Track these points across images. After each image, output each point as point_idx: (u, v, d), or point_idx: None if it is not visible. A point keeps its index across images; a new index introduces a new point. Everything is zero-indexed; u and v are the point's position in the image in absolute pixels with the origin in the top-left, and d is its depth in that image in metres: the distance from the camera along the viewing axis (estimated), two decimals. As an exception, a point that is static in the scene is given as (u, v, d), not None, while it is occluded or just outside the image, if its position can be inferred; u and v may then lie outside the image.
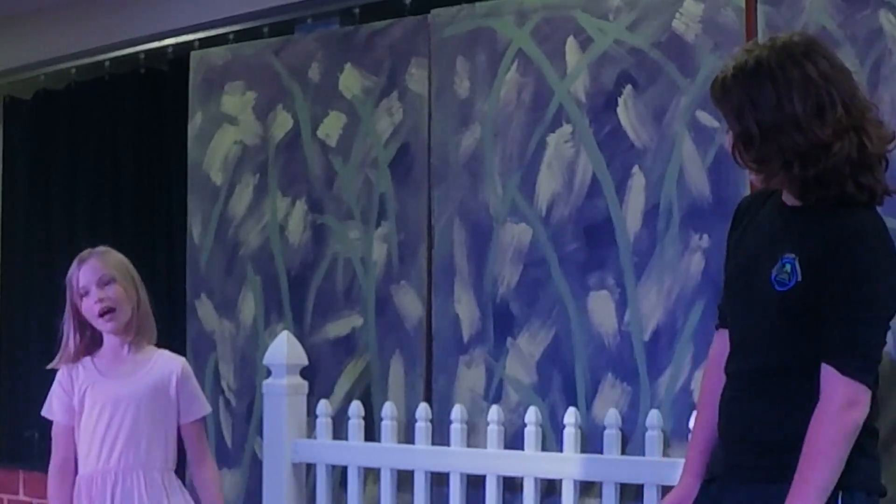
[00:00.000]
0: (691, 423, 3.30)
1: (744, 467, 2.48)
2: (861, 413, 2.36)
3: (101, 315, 3.28)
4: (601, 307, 3.59)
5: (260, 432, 4.13)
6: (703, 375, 2.74)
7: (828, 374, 2.37)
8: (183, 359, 3.45)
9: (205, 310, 4.44)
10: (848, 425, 2.35)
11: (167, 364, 3.35)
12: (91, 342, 3.35)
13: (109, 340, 3.34)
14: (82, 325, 3.33)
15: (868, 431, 2.42)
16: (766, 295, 2.44)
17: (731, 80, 2.43)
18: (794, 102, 2.37)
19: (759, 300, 2.47)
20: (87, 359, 3.33)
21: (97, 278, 3.28)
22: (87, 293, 3.28)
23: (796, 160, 2.38)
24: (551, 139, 3.71)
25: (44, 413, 3.36)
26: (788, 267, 2.42)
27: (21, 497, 5.30)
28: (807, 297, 2.39)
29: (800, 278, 2.40)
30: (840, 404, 2.35)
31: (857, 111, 2.40)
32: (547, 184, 3.71)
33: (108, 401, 3.27)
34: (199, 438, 3.41)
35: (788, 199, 2.49)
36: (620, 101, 3.59)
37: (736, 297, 2.57)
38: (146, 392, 3.29)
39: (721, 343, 2.64)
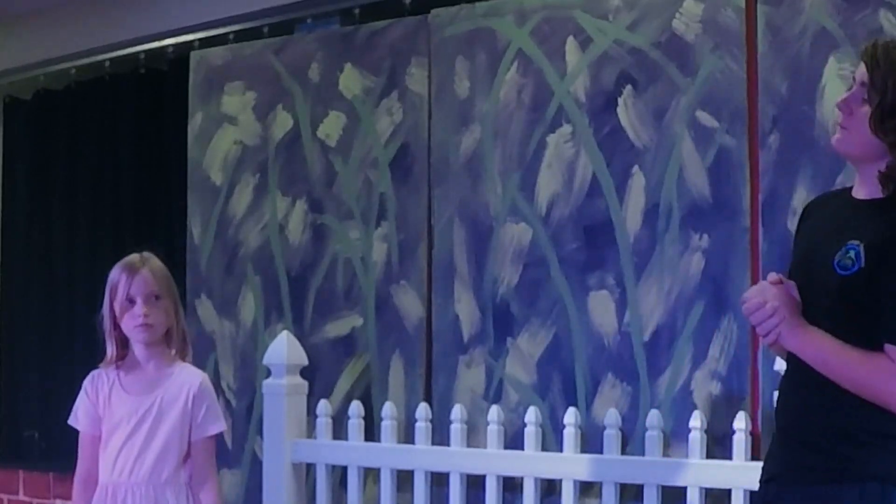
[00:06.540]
0: (691, 423, 3.32)
1: (800, 467, 2.42)
2: None
3: (139, 327, 3.22)
4: (601, 307, 3.59)
5: (260, 432, 4.13)
6: None
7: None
8: (203, 374, 3.33)
9: (205, 310, 4.44)
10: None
11: (186, 379, 3.26)
12: (120, 348, 3.27)
13: (138, 351, 3.26)
14: (116, 330, 3.25)
15: None
16: (826, 280, 2.40)
17: (892, 50, 2.44)
18: None
19: (819, 286, 2.43)
20: (112, 369, 3.26)
21: (147, 292, 3.21)
22: (132, 304, 3.21)
23: None
24: (551, 139, 3.71)
25: (70, 422, 3.29)
26: (853, 253, 2.37)
27: (21, 497, 5.30)
28: (869, 284, 2.35)
29: (863, 264, 2.36)
30: None
31: None
32: (547, 184, 3.71)
33: (126, 414, 3.22)
34: (205, 457, 3.28)
35: (862, 193, 2.48)
36: (620, 101, 3.59)
37: (796, 284, 2.51)
38: (162, 407, 3.22)
39: None
